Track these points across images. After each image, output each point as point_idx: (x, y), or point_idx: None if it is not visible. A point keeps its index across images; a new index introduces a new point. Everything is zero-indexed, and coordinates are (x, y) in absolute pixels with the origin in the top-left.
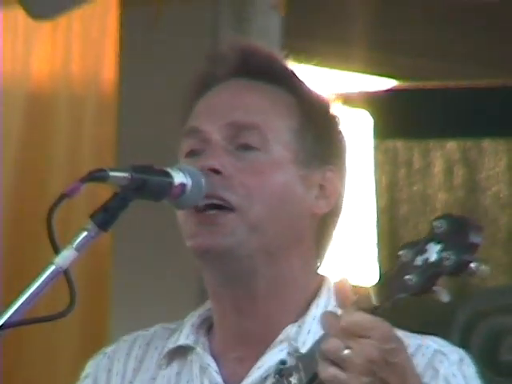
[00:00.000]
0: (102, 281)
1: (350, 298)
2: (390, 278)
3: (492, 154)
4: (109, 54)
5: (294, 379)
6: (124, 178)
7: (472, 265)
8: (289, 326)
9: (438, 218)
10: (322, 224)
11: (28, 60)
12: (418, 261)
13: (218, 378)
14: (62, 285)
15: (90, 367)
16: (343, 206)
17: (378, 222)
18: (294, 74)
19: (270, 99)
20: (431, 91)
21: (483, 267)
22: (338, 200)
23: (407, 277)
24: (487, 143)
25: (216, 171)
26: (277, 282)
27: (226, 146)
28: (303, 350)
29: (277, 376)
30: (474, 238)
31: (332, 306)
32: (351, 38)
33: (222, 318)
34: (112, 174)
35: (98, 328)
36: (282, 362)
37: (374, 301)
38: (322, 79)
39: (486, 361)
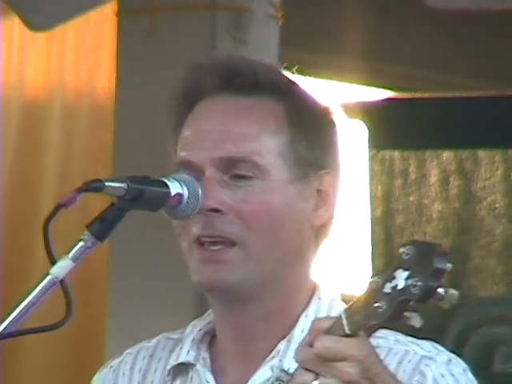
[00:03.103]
0: (98, 291)
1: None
2: (360, 305)
3: (488, 164)
4: (104, 64)
5: None
6: (120, 188)
7: (440, 290)
8: (280, 342)
9: (405, 245)
10: (321, 232)
11: (23, 70)
12: (387, 288)
13: None
14: (56, 295)
15: (95, 381)
16: (338, 209)
17: (373, 232)
18: (282, 81)
19: (258, 121)
20: (427, 101)
21: (452, 292)
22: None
23: (376, 304)
24: (483, 153)
25: (215, 210)
26: (281, 301)
27: (221, 178)
28: (291, 365)
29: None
30: (440, 264)
31: (323, 314)
32: (348, 49)
33: (224, 337)
34: (108, 184)
35: (94, 339)
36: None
37: (347, 328)
38: (318, 90)
39: (480, 371)
